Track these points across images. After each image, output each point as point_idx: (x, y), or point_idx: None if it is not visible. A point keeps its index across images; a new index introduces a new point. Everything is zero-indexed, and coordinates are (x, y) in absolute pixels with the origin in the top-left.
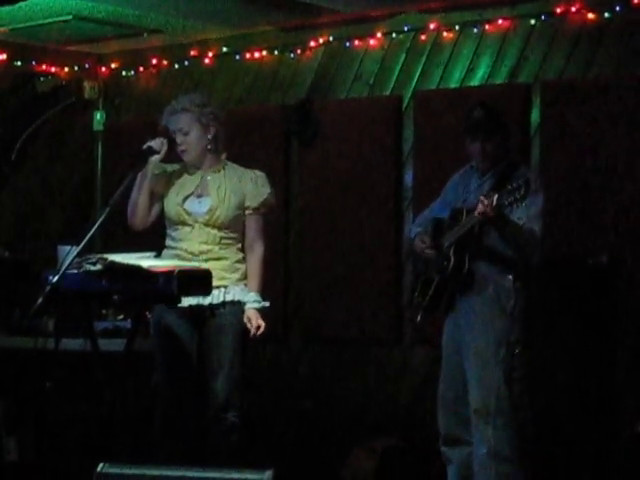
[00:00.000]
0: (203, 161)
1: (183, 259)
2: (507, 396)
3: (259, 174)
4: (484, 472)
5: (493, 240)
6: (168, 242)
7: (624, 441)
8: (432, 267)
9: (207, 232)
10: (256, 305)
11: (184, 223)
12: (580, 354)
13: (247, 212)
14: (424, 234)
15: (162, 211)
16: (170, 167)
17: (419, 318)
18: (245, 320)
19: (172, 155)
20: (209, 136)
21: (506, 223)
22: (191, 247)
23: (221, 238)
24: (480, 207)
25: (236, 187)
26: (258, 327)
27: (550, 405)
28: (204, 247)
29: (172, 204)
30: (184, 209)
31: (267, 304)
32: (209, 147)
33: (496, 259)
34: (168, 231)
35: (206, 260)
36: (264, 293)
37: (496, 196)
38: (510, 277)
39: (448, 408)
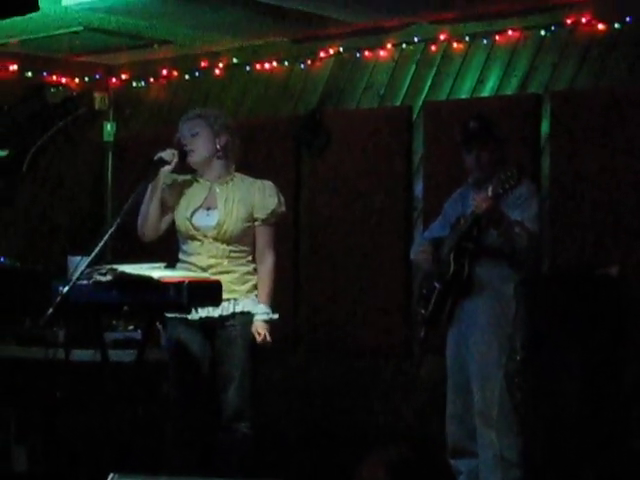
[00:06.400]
0: (210, 168)
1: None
2: (509, 401)
3: (267, 184)
4: (491, 477)
5: (492, 240)
6: (180, 255)
7: (630, 452)
8: (433, 277)
9: (216, 247)
10: (264, 317)
11: (193, 238)
12: (588, 366)
13: (256, 223)
14: (426, 246)
15: (173, 222)
16: (181, 177)
17: (422, 334)
18: (253, 331)
19: (183, 167)
20: (219, 143)
21: (502, 217)
22: (200, 261)
23: (230, 252)
24: (475, 203)
25: (244, 198)
26: (264, 340)
27: (557, 417)
28: (212, 261)
29: (181, 218)
30: (192, 224)
31: (276, 316)
32: (218, 154)
33: (496, 261)
34: (180, 244)
35: (214, 274)
36: (274, 303)
37: (490, 188)
38: (511, 285)
39: (455, 419)
